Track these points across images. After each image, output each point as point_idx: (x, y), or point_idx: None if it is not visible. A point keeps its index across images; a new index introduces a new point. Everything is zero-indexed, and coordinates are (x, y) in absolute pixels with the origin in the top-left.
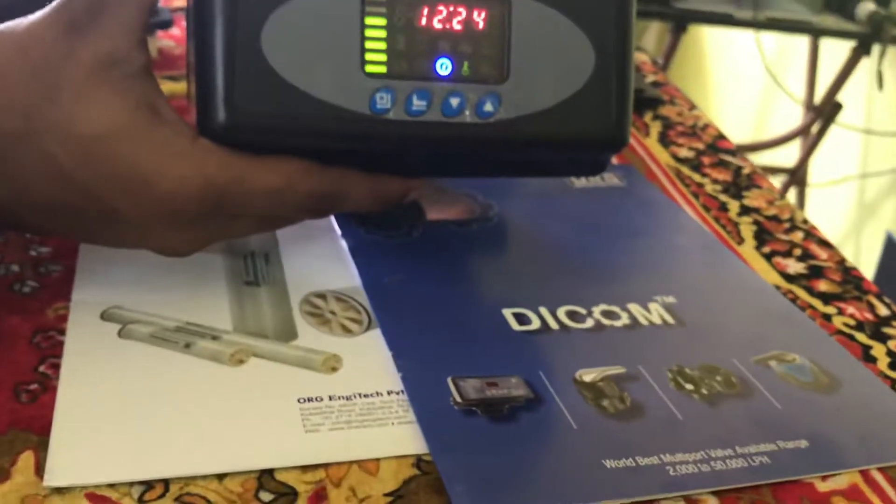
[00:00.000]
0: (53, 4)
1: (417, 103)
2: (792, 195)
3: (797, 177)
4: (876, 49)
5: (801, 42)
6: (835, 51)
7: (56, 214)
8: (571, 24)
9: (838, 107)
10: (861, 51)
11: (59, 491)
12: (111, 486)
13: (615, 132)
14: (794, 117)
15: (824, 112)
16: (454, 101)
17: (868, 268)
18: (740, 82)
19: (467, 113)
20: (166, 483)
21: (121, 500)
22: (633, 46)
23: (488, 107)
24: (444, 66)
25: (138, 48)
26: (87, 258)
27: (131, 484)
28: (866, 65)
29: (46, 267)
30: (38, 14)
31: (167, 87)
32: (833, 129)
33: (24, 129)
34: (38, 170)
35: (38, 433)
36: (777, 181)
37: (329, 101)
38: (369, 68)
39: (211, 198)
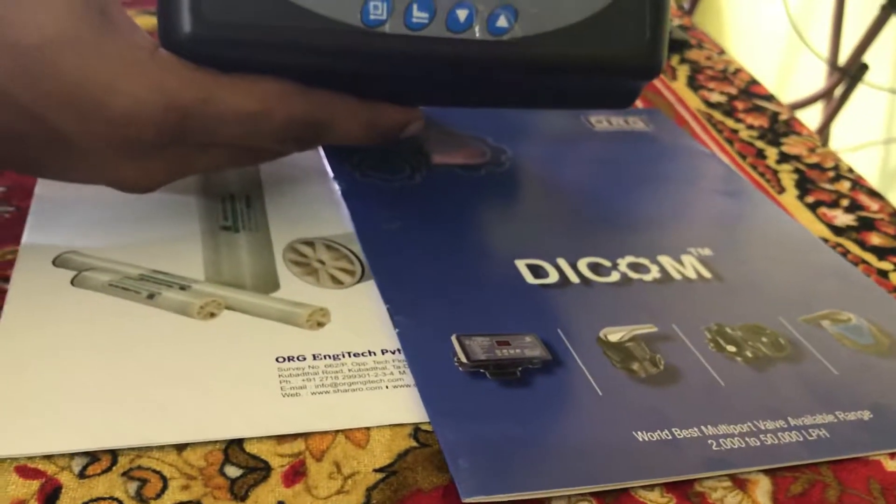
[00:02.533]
0: None
1: (418, 15)
2: None
3: (821, 140)
4: None
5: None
6: (862, 8)
7: None
8: None
9: (864, 68)
10: (890, 9)
11: None
12: (47, 457)
13: (648, 55)
14: (818, 77)
15: (849, 72)
16: (461, 14)
17: None
18: (762, 38)
19: (477, 28)
20: (114, 454)
21: (58, 475)
22: None
23: (502, 21)
24: None
25: None
26: (44, 198)
27: (72, 455)
28: (894, 24)
29: None
30: None
31: (144, 21)
32: (857, 93)
33: None
34: None
35: None
36: None
37: (313, 9)
38: None
39: (172, 121)
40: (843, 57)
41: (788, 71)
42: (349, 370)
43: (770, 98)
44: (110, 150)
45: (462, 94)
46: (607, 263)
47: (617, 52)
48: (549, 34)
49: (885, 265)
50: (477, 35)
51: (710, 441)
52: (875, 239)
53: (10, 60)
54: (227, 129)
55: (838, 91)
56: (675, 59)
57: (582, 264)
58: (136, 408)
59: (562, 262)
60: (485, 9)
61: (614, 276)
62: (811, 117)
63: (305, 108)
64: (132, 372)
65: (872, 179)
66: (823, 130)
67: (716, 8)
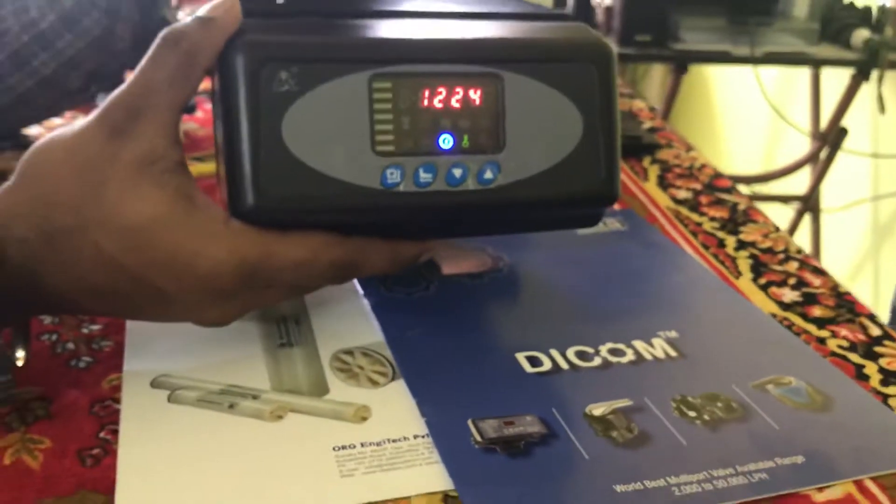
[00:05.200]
0: (97, 112)
1: (424, 176)
2: (807, 222)
3: (810, 203)
4: (875, 74)
5: (802, 73)
6: (835, 78)
7: (108, 298)
8: (559, 94)
9: (844, 132)
10: (860, 77)
11: None
12: None
13: (606, 189)
14: (802, 146)
15: (830, 138)
16: (457, 172)
17: (888, 287)
18: (745, 116)
19: (469, 181)
20: None
21: None
22: (617, 109)
23: (488, 174)
24: (446, 141)
25: (173, 146)
26: (135, 333)
27: None
28: (867, 90)
29: (98, 343)
30: (85, 120)
31: (194, 167)
32: (841, 154)
33: (76, 223)
34: (90, 259)
35: (104, 493)
36: (790, 209)
37: (344, 179)
38: (379, 148)
39: (245, 273)
40: (824, 123)
41: (774, 142)
42: (390, 453)
43: (731, 190)
44: (198, 299)
45: (462, 229)
46: (591, 350)
47: (580, 189)
48: (525, 180)
49: (823, 333)
50: (470, 186)
51: (673, 488)
52: (816, 311)
53: (122, 239)
54: (285, 274)
55: (823, 154)
56: (646, 161)
57: (570, 352)
58: (232, 495)
59: (554, 352)
60: (475, 166)
61: (597, 361)
62: (801, 183)
63: (343, 253)
64: (225, 467)
65: (865, 235)
66: (812, 193)
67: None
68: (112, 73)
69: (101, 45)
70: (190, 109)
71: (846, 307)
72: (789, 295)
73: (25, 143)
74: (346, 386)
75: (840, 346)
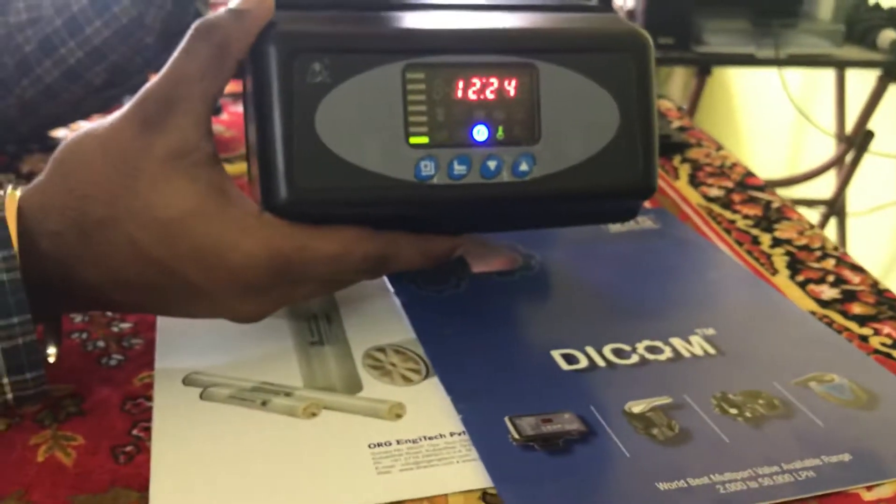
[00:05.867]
0: (130, 104)
1: (458, 168)
2: (832, 226)
3: (836, 207)
4: None
5: (827, 74)
6: (861, 80)
7: (140, 291)
8: (595, 84)
9: (870, 135)
10: (887, 78)
11: None
12: None
13: (643, 181)
14: (827, 149)
15: (856, 141)
16: (492, 164)
17: None
18: (769, 119)
19: (504, 173)
20: None
21: None
22: (654, 100)
23: (523, 166)
24: (480, 133)
25: (205, 138)
26: (165, 330)
27: None
28: (894, 91)
29: (129, 341)
30: (118, 113)
31: None
32: (868, 157)
33: (109, 215)
34: (123, 251)
35: (137, 490)
36: (816, 213)
37: (378, 171)
38: (413, 140)
39: (277, 266)
40: (850, 125)
41: (798, 145)
42: (426, 450)
43: (763, 188)
44: (230, 292)
45: (496, 223)
46: (627, 348)
47: (617, 181)
48: (561, 172)
49: (865, 331)
50: (505, 179)
51: (717, 486)
52: (857, 308)
53: (154, 231)
54: (317, 268)
55: (849, 158)
56: (676, 160)
57: (607, 350)
58: (266, 492)
59: (590, 350)
60: (509, 158)
61: (634, 359)
62: (826, 186)
63: (376, 247)
64: (259, 464)
65: (892, 238)
66: (839, 197)
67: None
68: (135, 71)
69: (129, 34)
70: (216, 112)
71: (887, 304)
72: (828, 292)
73: (52, 145)
74: (379, 383)
75: (883, 344)
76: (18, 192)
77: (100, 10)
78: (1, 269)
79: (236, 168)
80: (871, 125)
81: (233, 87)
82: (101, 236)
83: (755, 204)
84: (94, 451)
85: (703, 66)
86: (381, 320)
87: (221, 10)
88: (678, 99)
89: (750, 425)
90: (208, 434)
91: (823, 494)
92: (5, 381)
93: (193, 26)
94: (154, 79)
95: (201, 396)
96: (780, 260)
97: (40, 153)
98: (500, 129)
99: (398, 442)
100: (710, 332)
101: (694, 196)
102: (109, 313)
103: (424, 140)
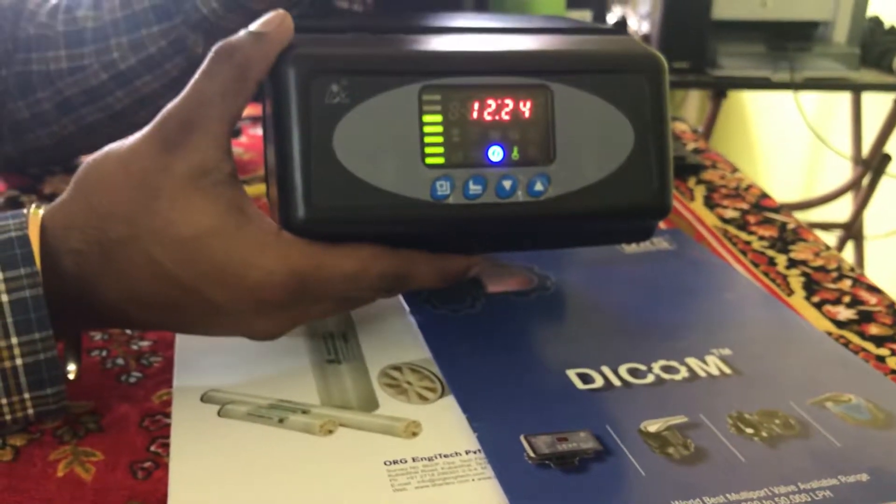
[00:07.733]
0: (151, 125)
1: (474, 188)
2: (850, 249)
3: (853, 231)
4: None
5: (843, 98)
6: (877, 103)
7: (159, 309)
8: (609, 105)
9: (887, 158)
10: None
11: None
12: None
13: (658, 201)
14: (843, 172)
15: (873, 165)
16: (507, 184)
17: None
18: (785, 142)
19: (519, 193)
20: None
21: None
22: (668, 120)
23: (538, 186)
24: (495, 153)
25: (225, 158)
26: (183, 348)
27: None
28: None
29: (147, 359)
30: (138, 134)
31: None
32: (884, 181)
33: (129, 234)
34: (143, 269)
35: None
36: (833, 237)
37: (394, 191)
38: (429, 160)
39: (295, 284)
40: (866, 148)
41: (815, 168)
42: (442, 468)
43: (779, 210)
44: (248, 310)
45: (511, 243)
46: (643, 367)
47: (632, 201)
48: (576, 192)
49: (882, 351)
50: (520, 199)
51: None
52: (873, 329)
53: (174, 250)
54: (334, 286)
55: (866, 181)
56: (691, 181)
57: (622, 369)
58: None
59: (605, 369)
60: (525, 178)
61: (650, 378)
62: (843, 210)
63: (393, 265)
64: (276, 481)
65: None
66: (855, 220)
67: (739, 118)
68: None
69: (179, 85)
70: (235, 134)
71: None
72: (844, 313)
73: (74, 166)
74: (395, 402)
75: None
76: (41, 211)
77: (151, 67)
78: (24, 285)
79: (254, 189)
80: (888, 148)
81: (251, 110)
82: (121, 254)
83: (771, 225)
84: (113, 467)
85: (719, 90)
86: (397, 339)
87: (242, 32)
88: (694, 122)
89: (766, 445)
90: (226, 451)
91: None
92: (26, 396)
93: (214, 49)
94: (175, 100)
95: (219, 413)
96: (796, 281)
97: (62, 174)
98: (516, 149)
99: (414, 459)
100: (727, 352)
101: (709, 217)
102: (129, 331)
103: (440, 160)
